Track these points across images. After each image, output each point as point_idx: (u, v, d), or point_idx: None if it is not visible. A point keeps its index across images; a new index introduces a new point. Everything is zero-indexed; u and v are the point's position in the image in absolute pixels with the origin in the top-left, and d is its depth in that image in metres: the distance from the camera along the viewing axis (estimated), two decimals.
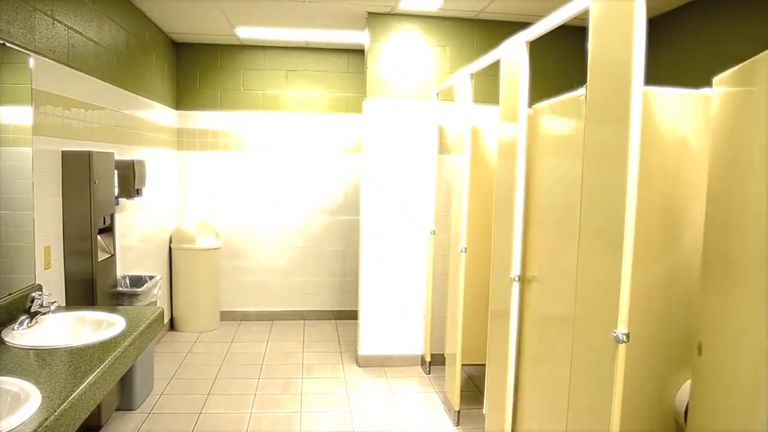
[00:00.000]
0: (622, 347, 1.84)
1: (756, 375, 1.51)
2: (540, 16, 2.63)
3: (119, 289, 4.01)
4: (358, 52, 6.31)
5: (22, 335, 2.54)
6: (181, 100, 6.26)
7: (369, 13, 4.93)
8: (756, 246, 1.51)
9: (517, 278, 2.88)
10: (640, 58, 1.83)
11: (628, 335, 1.84)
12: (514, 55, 2.96)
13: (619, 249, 1.85)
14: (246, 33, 5.76)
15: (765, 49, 1.51)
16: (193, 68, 6.28)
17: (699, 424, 1.87)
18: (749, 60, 1.61)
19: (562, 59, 5.01)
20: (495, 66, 3.35)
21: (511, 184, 2.92)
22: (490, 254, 3.35)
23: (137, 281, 4.32)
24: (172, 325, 6.07)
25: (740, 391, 1.60)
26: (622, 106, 1.86)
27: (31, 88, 3.01)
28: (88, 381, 2.04)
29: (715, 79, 1.83)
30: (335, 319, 6.63)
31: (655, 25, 4.51)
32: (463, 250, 3.84)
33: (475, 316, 4.03)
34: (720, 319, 1.71)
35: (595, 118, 2.12)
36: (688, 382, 2.14)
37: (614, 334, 1.85)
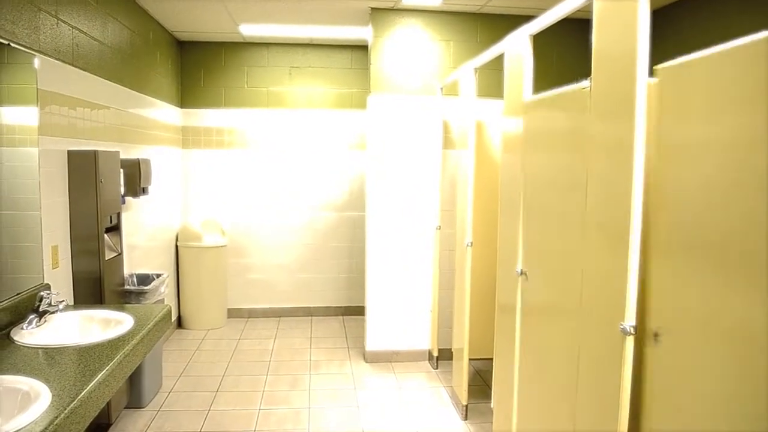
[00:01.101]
0: (629, 339, 1.84)
1: (724, 363, 1.53)
2: (543, 9, 2.62)
3: (126, 287, 4.03)
4: (362, 48, 6.30)
5: (31, 334, 2.55)
6: (185, 99, 6.27)
7: (372, 8, 4.92)
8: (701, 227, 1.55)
9: (522, 272, 2.87)
10: (644, 50, 1.83)
11: (635, 327, 1.84)
12: (517, 49, 2.95)
13: (625, 241, 1.84)
14: (249, 30, 5.76)
15: None
16: (197, 66, 6.29)
17: (658, 416, 1.90)
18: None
19: (565, 52, 5.00)
20: (499, 60, 3.34)
21: (516, 179, 2.92)
22: (496, 248, 3.35)
23: (144, 279, 4.34)
24: (179, 323, 6.09)
25: (710, 381, 1.61)
26: (627, 98, 1.86)
27: (37, 88, 3.02)
28: (97, 379, 2.06)
29: (660, 68, 1.90)
30: (342, 315, 6.64)
31: (659, 16, 4.49)
32: (469, 244, 3.84)
33: (482, 311, 4.03)
34: (683, 304, 1.75)
35: (600, 111, 2.11)
36: None
37: (621, 327, 1.85)
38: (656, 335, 1.89)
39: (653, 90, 1.90)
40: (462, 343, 3.99)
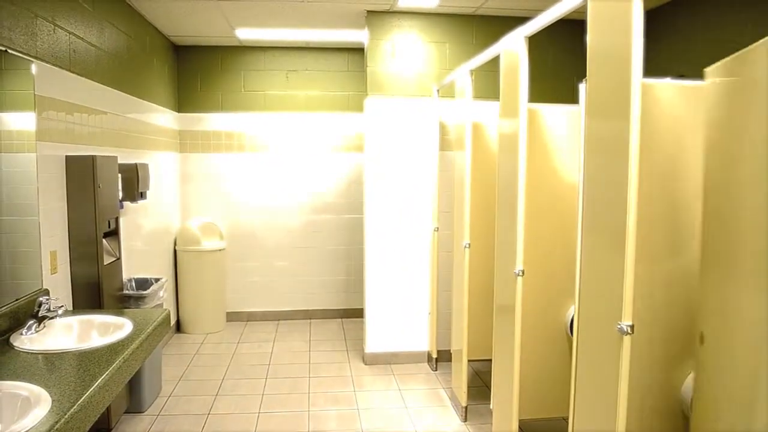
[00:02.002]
0: (627, 339, 1.85)
1: (756, 365, 1.52)
2: (538, 11, 2.63)
3: (125, 291, 4.03)
4: (358, 51, 6.32)
5: (31, 340, 2.56)
6: (182, 103, 6.28)
7: (368, 11, 4.93)
8: (754, 236, 1.52)
9: (520, 273, 2.88)
10: (638, 51, 1.84)
11: (632, 327, 1.84)
12: (513, 50, 2.96)
13: (622, 242, 1.85)
14: (246, 34, 5.78)
15: (763, 38, 1.52)
16: (194, 71, 6.30)
17: (702, 413, 1.88)
18: (743, 50, 1.62)
19: (561, 53, 5.02)
20: (495, 61, 3.35)
21: (513, 179, 2.93)
22: (494, 249, 3.36)
23: (143, 284, 4.34)
24: (178, 327, 6.09)
25: (741, 380, 1.60)
26: (623, 98, 1.87)
27: (34, 94, 3.03)
28: (97, 384, 2.06)
29: (708, 70, 1.84)
30: (341, 317, 6.65)
31: (654, 16, 4.51)
32: (467, 246, 3.85)
33: (480, 312, 4.04)
34: (720, 309, 1.72)
35: (595, 112, 2.12)
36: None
37: (619, 326, 1.86)
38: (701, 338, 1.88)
39: (703, 92, 1.88)
40: (461, 344, 3.99)
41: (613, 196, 1.93)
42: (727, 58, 1.71)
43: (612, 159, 1.96)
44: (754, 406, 1.52)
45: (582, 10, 2.28)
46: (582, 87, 2.21)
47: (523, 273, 2.87)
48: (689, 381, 2.21)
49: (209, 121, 6.36)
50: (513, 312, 2.96)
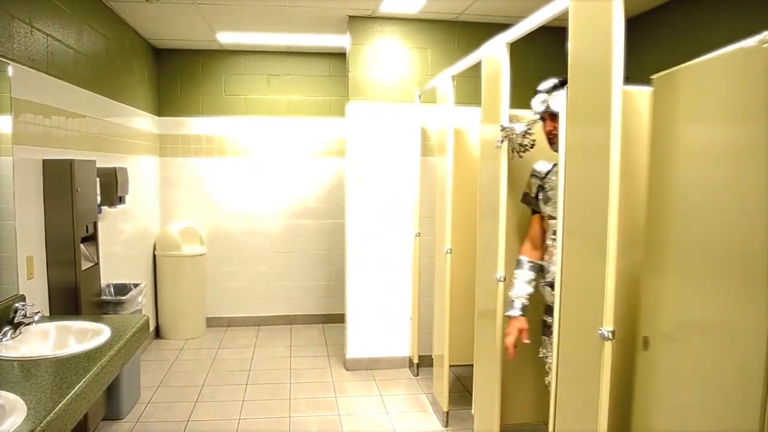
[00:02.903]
0: (608, 344, 1.86)
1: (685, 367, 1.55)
2: (520, 17, 2.65)
3: (103, 297, 3.98)
4: (340, 56, 6.31)
5: (6, 347, 2.51)
6: (162, 107, 6.23)
7: (350, 16, 4.93)
8: (679, 236, 1.58)
9: (502, 279, 2.89)
10: (619, 58, 1.85)
11: (613, 332, 1.85)
12: (495, 57, 2.97)
13: (603, 248, 1.86)
14: (227, 38, 5.75)
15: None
16: (174, 74, 6.25)
17: (646, 421, 1.93)
18: (674, 68, 1.70)
19: (542, 59, 5.03)
20: (476, 67, 3.36)
21: (495, 185, 2.94)
22: (475, 255, 3.37)
23: (122, 289, 4.29)
24: (157, 333, 6.03)
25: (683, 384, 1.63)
26: (603, 104, 1.88)
27: (10, 97, 2.98)
28: (74, 391, 2.03)
29: (654, 77, 1.96)
30: (322, 323, 6.62)
31: (635, 24, 4.55)
32: (449, 251, 3.85)
33: (462, 317, 4.04)
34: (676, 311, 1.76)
35: (576, 118, 2.14)
36: None
37: (600, 332, 1.86)
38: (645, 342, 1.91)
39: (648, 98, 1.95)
40: (442, 349, 3.99)
41: (594, 202, 1.94)
42: (667, 71, 1.78)
43: (593, 165, 1.97)
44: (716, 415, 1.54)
45: (563, 17, 2.30)
46: (563, 94, 2.22)
47: (504, 279, 2.88)
48: None
49: (190, 125, 6.31)
50: (494, 317, 2.96)
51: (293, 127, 6.44)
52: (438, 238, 4.25)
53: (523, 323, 2.79)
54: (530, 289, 2.85)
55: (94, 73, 4.25)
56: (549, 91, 2.56)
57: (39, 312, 2.80)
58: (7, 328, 2.61)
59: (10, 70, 2.97)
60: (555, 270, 2.31)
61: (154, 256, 5.97)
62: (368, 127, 4.99)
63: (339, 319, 6.37)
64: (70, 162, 3.43)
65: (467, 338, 3.75)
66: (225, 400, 4.43)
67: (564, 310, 2.19)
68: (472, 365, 3.52)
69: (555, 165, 2.58)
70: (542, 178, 2.84)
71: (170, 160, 6.30)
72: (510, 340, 2.78)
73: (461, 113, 4.27)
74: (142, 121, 5.60)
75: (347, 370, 5.12)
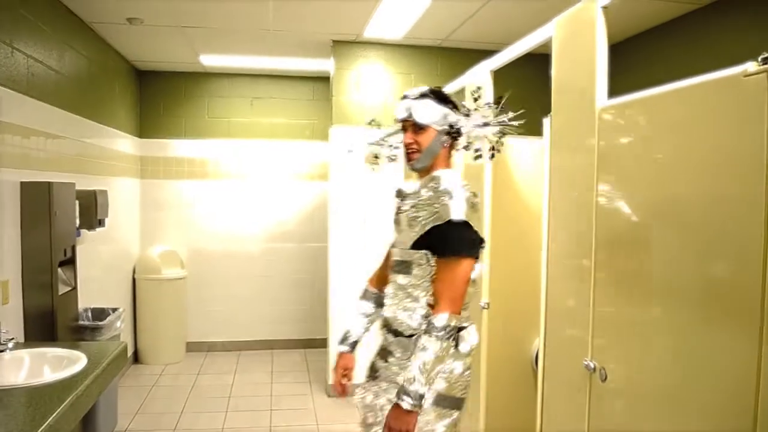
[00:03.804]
0: (594, 376, 1.84)
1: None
2: (503, 44, 2.68)
3: (81, 322, 3.90)
4: (324, 80, 6.31)
5: None
6: (144, 129, 6.19)
7: (334, 41, 4.95)
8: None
9: (486, 306, 2.88)
10: (603, 83, 1.87)
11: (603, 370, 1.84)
12: (478, 83, 2.99)
13: (588, 276, 1.86)
14: (210, 61, 5.74)
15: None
16: (157, 96, 6.23)
17: None
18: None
19: (525, 86, 5.06)
20: (460, 93, 3.37)
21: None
22: None
23: (100, 314, 4.21)
24: (136, 358, 5.92)
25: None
26: (587, 129, 1.89)
27: None
28: (47, 422, 1.96)
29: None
30: (304, 348, 6.54)
31: (616, 51, 4.60)
32: None
33: None
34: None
35: (559, 144, 2.14)
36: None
37: (585, 363, 1.85)
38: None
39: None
40: None
41: (579, 227, 1.94)
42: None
43: (576, 190, 1.97)
44: None
45: (547, 44, 2.32)
46: (546, 121, 2.23)
47: (488, 306, 2.87)
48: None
49: (172, 147, 6.27)
50: (479, 345, 2.94)
51: (276, 150, 6.42)
52: None
53: (349, 361, 2.50)
54: (367, 324, 2.50)
55: (76, 94, 4.21)
56: (417, 98, 2.20)
57: (13, 339, 2.73)
58: None
59: None
60: (387, 303, 2.23)
61: (134, 279, 5.89)
62: (355, 148, 4.98)
63: (321, 344, 6.29)
64: (49, 184, 3.38)
65: None
66: (204, 428, 4.34)
67: (549, 340, 2.18)
68: None
69: (431, 188, 2.11)
70: (402, 199, 2.35)
71: (152, 182, 6.24)
72: (336, 377, 2.49)
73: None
74: (124, 143, 5.55)
75: (329, 396, 5.06)
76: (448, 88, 3.61)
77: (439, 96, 2.20)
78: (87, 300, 4.26)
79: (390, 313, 2.21)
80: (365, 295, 2.53)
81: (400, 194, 2.39)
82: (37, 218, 3.34)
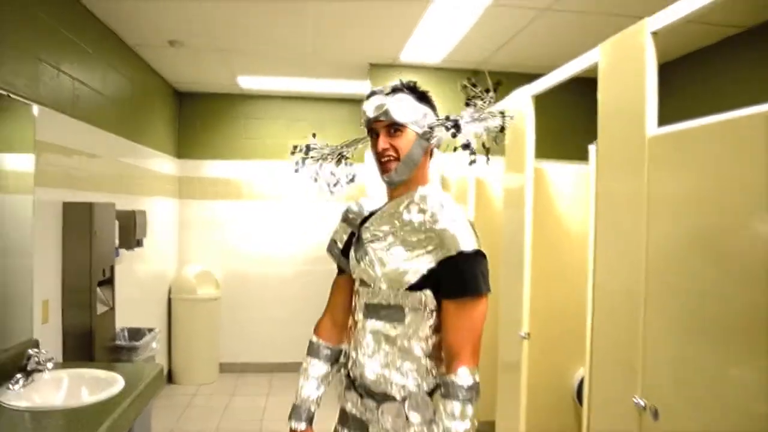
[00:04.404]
0: (645, 414, 1.77)
1: None
2: (543, 67, 2.64)
3: (117, 342, 3.92)
4: (360, 102, 6.33)
5: (18, 395, 2.45)
6: (182, 149, 6.26)
7: (371, 64, 4.96)
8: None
9: (526, 336, 2.81)
10: (653, 106, 1.82)
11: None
12: (519, 109, 2.95)
13: (638, 308, 1.79)
14: (248, 83, 5.80)
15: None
16: (195, 117, 6.31)
17: None
18: None
19: (566, 109, 5.01)
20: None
21: (519, 239, 2.88)
22: (491, 306, 3.29)
23: (136, 334, 4.23)
24: (170, 378, 5.93)
25: None
26: (637, 154, 1.84)
27: (34, 139, 2.98)
28: None
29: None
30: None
31: (665, 70, 4.53)
32: None
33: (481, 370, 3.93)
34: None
35: (606, 170, 2.09)
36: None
37: (635, 401, 1.78)
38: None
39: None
40: None
41: (629, 254, 1.88)
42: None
43: (624, 218, 1.92)
44: None
45: (592, 68, 2.28)
46: (592, 148, 2.18)
47: (528, 336, 2.80)
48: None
49: (209, 167, 6.33)
50: (518, 374, 2.87)
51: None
52: None
53: None
54: (322, 389, 2.02)
55: (117, 115, 4.28)
56: (390, 93, 1.78)
57: (52, 359, 2.74)
58: (19, 376, 2.55)
59: (35, 111, 2.97)
60: (363, 361, 1.76)
61: (169, 299, 5.93)
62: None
63: None
64: (90, 205, 3.42)
65: (486, 392, 3.63)
66: None
67: (595, 375, 2.10)
68: (493, 422, 3.40)
69: (419, 210, 1.74)
70: (360, 223, 1.93)
71: (188, 202, 6.30)
72: None
73: (482, 161, 4.23)
74: (162, 164, 5.62)
75: None
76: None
77: (415, 92, 1.81)
78: (123, 319, 4.29)
79: (371, 374, 1.74)
80: (315, 351, 2.05)
81: (358, 216, 1.97)
82: (78, 238, 3.38)
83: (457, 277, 1.62)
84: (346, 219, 2.06)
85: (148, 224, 4.60)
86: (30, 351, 2.65)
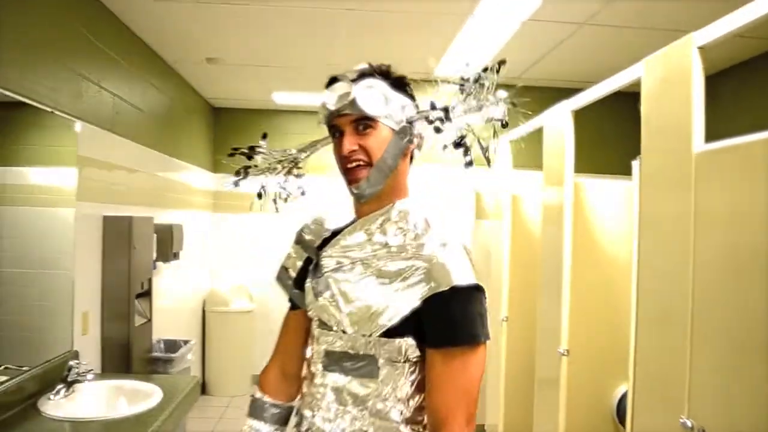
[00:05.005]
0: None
1: None
2: (580, 81, 2.61)
3: (154, 354, 3.96)
4: None
5: (59, 405, 2.49)
6: (218, 163, 6.33)
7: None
8: None
9: (565, 353, 2.76)
10: (699, 120, 1.79)
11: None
12: (558, 124, 2.92)
13: (684, 327, 1.75)
14: (283, 98, 5.85)
15: None
16: (230, 132, 6.38)
17: None
18: None
19: (605, 123, 4.94)
20: (538, 134, 3.31)
21: (558, 250, 2.84)
22: (529, 322, 3.26)
23: (172, 346, 4.27)
24: (203, 389, 5.97)
25: None
26: (684, 170, 1.80)
27: (77, 154, 3.05)
28: None
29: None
30: None
31: (711, 81, 4.45)
32: (505, 319, 3.73)
33: (516, 387, 3.88)
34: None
35: (651, 186, 2.05)
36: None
37: (682, 421, 1.73)
38: None
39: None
40: (497, 419, 3.83)
41: (674, 273, 1.84)
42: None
43: (671, 235, 1.88)
44: None
45: (634, 82, 2.25)
46: (636, 164, 2.14)
47: (567, 353, 2.75)
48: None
49: (244, 182, 6.38)
50: (557, 391, 2.83)
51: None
52: (492, 305, 4.13)
53: None
54: None
55: (155, 130, 4.35)
56: (357, 79, 1.39)
57: (92, 370, 2.78)
58: (60, 386, 2.60)
59: (78, 127, 3.04)
60: (321, 427, 1.32)
61: (204, 311, 5.98)
62: (422, 187, 4.95)
63: None
64: (130, 219, 3.47)
65: (520, 408, 3.59)
66: None
67: (639, 396, 2.06)
68: None
69: (398, 230, 1.40)
70: (319, 247, 1.56)
71: (223, 216, 6.36)
72: None
73: (517, 176, 4.21)
74: (199, 178, 5.69)
75: None
76: (524, 128, 3.55)
77: (389, 77, 1.42)
78: (159, 331, 4.34)
79: None
80: (258, 411, 1.57)
81: (316, 237, 1.61)
82: (117, 251, 3.43)
83: (449, 320, 1.23)
84: (300, 241, 1.65)
85: (184, 237, 4.66)
86: (71, 362, 2.69)
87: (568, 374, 2.77)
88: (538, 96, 4.74)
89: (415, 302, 1.23)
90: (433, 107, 1.40)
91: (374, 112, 1.34)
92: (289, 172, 1.78)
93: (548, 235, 3.09)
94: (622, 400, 2.77)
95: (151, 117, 4.24)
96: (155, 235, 3.97)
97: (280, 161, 1.76)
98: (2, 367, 2.42)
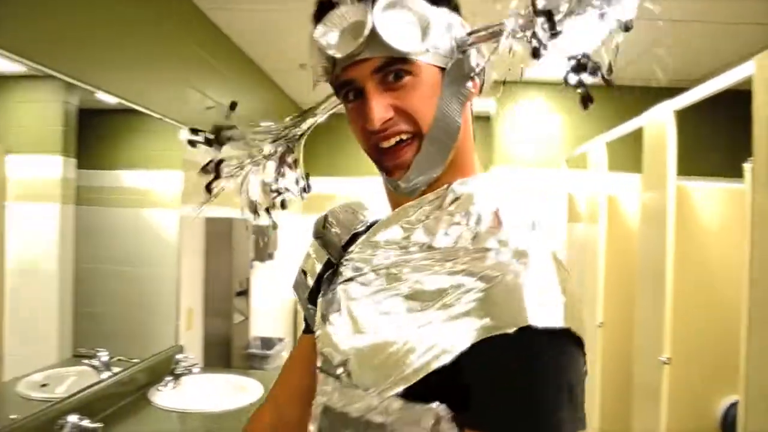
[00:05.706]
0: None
1: None
2: (679, 80, 2.52)
3: (251, 350, 4.10)
4: (483, 119, 6.30)
5: (168, 396, 2.62)
6: (308, 166, 6.46)
7: (494, 81, 4.93)
8: None
9: (667, 361, 2.67)
10: None
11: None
12: (659, 125, 2.83)
13: None
14: None
15: None
16: (319, 135, 6.46)
17: None
18: None
19: (709, 123, 4.73)
20: (636, 137, 3.21)
21: (660, 257, 2.75)
22: (627, 327, 3.18)
23: (267, 343, 4.41)
24: None
25: None
26: None
27: (183, 158, 3.20)
28: None
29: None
30: None
31: None
32: (600, 324, 3.64)
33: (613, 394, 3.77)
34: None
35: (765, 188, 1.96)
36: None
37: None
38: None
39: None
40: (593, 423, 3.74)
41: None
42: None
43: None
44: None
45: (743, 81, 2.16)
46: (748, 166, 2.06)
47: (670, 361, 2.66)
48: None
49: (332, 183, 6.51)
50: (658, 401, 2.73)
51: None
52: (587, 310, 4.03)
53: None
54: None
55: None
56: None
57: (197, 364, 2.92)
58: (168, 379, 2.74)
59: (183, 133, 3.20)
60: None
61: (296, 310, 6.13)
62: (512, 191, 4.90)
63: None
64: (230, 221, 3.61)
65: (621, 419, 3.49)
66: None
67: (751, 412, 1.97)
68: None
69: (449, 224, 0.86)
70: (345, 245, 1.03)
71: (313, 217, 6.48)
72: None
73: (613, 179, 4.10)
74: None
75: None
76: (621, 129, 3.45)
77: None
78: (255, 329, 4.49)
79: None
80: None
81: (343, 230, 1.07)
82: (218, 251, 3.58)
83: (507, 390, 0.70)
84: (320, 235, 1.08)
85: (278, 238, 4.80)
86: (177, 356, 2.83)
87: (669, 383, 2.68)
88: (630, 95, 4.63)
89: (459, 346, 0.70)
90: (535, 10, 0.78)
91: (412, 48, 0.82)
92: (282, 161, 1.16)
93: (648, 238, 2.99)
94: (729, 411, 2.66)
95: (249, 122, 4.39)
96: (252, 236, 4.12)
97: (273, 139, 1.16)
98: (116, 358, 2.56)
